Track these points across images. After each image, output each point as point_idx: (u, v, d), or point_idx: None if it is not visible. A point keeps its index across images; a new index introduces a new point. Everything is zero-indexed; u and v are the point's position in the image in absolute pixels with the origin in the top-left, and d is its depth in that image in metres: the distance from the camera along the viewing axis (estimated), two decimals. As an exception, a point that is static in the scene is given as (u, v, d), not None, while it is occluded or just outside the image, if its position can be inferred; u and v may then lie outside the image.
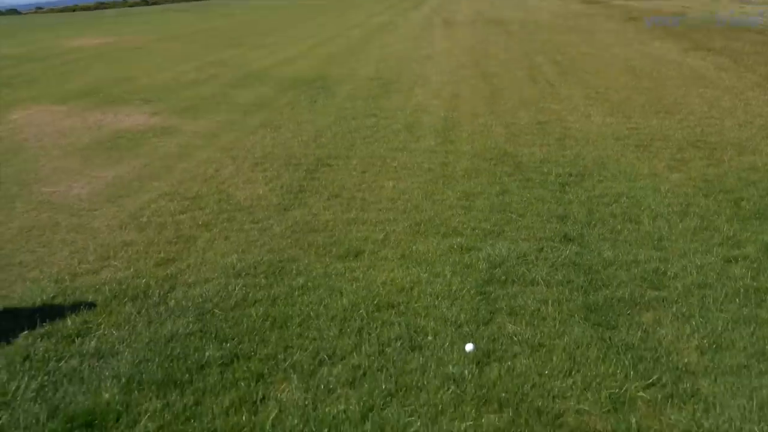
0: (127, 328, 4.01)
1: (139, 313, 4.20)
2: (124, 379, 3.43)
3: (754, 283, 4.53)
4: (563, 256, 4.97)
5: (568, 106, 10.41)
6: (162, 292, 4.48)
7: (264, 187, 6.79)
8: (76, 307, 4.28)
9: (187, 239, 5.48)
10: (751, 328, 3.95)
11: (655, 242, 5.28)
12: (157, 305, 4.30)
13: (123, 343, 3.83)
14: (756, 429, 3.02)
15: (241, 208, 6.18)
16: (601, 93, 11.36)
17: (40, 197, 6.84)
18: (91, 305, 4.32)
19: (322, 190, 6.65)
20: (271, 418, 3.12)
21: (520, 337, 3.83)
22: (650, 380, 3.42)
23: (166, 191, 6.82)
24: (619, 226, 5.60)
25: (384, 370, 3.50)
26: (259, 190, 6.69)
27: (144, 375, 3.47)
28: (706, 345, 3.77)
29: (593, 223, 5.68)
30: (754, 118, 9.35)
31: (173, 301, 4.35)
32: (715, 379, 3.44)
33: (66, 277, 4.81)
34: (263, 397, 3.30)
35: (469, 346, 3.72)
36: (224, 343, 3.78)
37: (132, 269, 4.90)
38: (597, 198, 6.31)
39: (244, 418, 3.13)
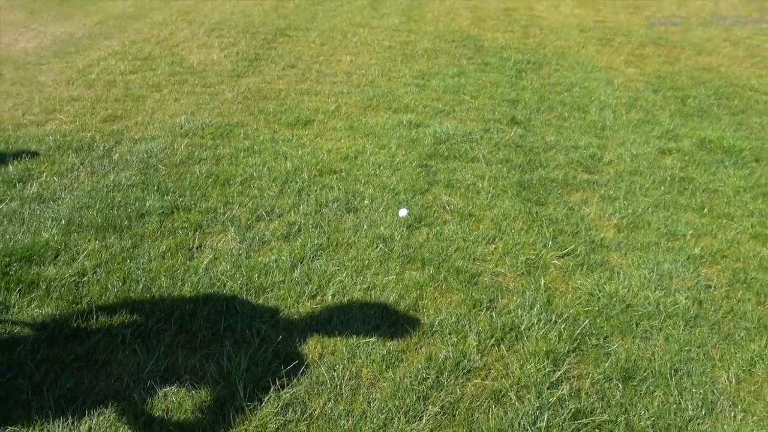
0: (69, 176, 4.07)
1: (82, 163, 4.23)
2: (63, 222, 3.53)
3: (681, 174, 4.76)
4: (507, 137, 5.10)
5: (540, -5, 10.20)
6: (107, 146, 4.50)
7: (219, 53, 6.65)
8: (18, 155, 4.29)
9: (136, 98, 5.42)
10: (669, 212, 4.20)
11: (598, 131, 5.44)
12: (101, 158, 4.33)
13: (65, 190, 3.90)
14: (650, 295, 3.31)
15: (194, 72, 6.09)
16: (575, -16, 11.12)
17: (-16, 47, 6.59)
18: (34, 154, 4.33)
19: (278, 60, 6.55)
20: (205, 263, 3.28)
21: (452, 207, 4.02)
22: (566, 250, 3.67)
23: (117, 50, 6.63)
24: (566, 114, 5.72)
25: (318, 228, 3.67)
26: (214, 56, 6.56)
27: (84, 219, 3.57)
28: (624, 224, 4.02)
29: (542, 109, 5.79)
30: (718, 20, 9.34)
31: (117, 154, 4.39)
32: (625, 253, 3.71)
33: (9, 127, 4.77)
34: (199, 245, 3.45)
35: (402, 212, 3.89)
36: (165, 196, 3.88)
37: (78, 123, 4.88)
38: (551, 86, 6.38)
39: (179, 261, 3.29)
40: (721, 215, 4.22)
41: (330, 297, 3.11)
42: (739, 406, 2.66)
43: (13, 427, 2.29)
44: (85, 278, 3.11)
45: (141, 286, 3.07)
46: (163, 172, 4.18)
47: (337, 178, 4.27)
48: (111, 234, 3.47)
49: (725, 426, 2.55)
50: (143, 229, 3.55)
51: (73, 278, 3.09)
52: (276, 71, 6.23)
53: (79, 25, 7.50)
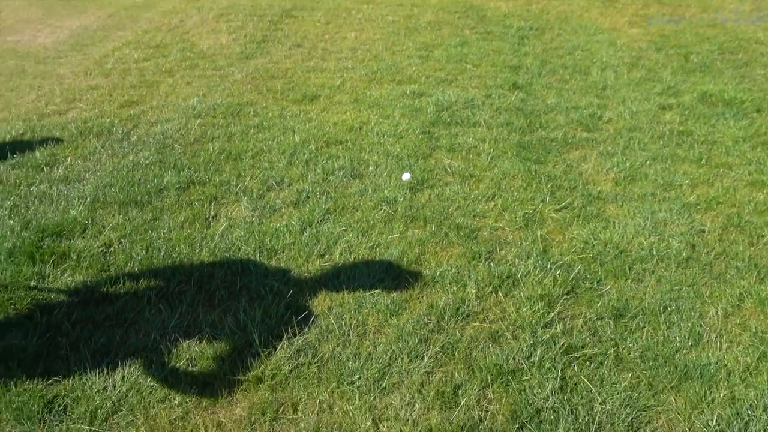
0: (92, 159, 4.32)
1: (103, 147, 4.48)
2: (89, 200, 3.78)
3: (681, 127, 4.86)
4: (508, 102, 5.23)
5: (544, -39, 10.19)
6: (125, 130, 4.74)
7: (227, 37, 6.85)
8: (44, 142, 4.55)
9: (151, 84, 5.65)
10: (666, 164, 4.32)
11: (599, 91, 5.54)
12: (121, 141, 4.58)
13: (88, 171, 4.15)
14: (644, 241, 3.46)
15: (204, 56, 6.30)
16: (580, -52, 11.05)
17: (5, 45, 6.87)
18: (58, 140, 4.59)
19: (284, 40, 6.73)
20: (220, 230, 3.51)
21: (453, 169, 4.19)
22: (563, 204, 3.82)
23: (131, 40, 6.86)
24: (567, 76, 5.82)
25: (326, 194, 3.87)
26: (223, 40, 6.76)
27: (107, 196, 3.82)
28: (622, 177, 4.16)
29: (544, 73, 5.89)
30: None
31: (135, 137, 4.63)
32: (622, 204, 3.86)
33: (34, 117, 5.04)
34: (215, 215, 3.68)
35: (405, 176, 4.07)
36: (182, 172, 4.11)
37: (97, 110, 5.12)
38: (553, 50, 6.47)
39: (196, 230, 3.52)
40: (718, 165, 4.33)
41: (337, 256, 3.32)
42: (725, 337, 2.82)
43: (55, 377, 2.55)
44: (112, 249, 3.36)
45: (162, 253, 3.31)
46: (179, 151, 4.41)
47: (342, 148, 4.45)
48: (133, 208, 3.71)
49: (710, 354, 2.71)
50: (162, 202, 3.79)
51: (101, 249, 3.34)
52: (283, 51, 6.41)
53: (93, 18, 7.75)
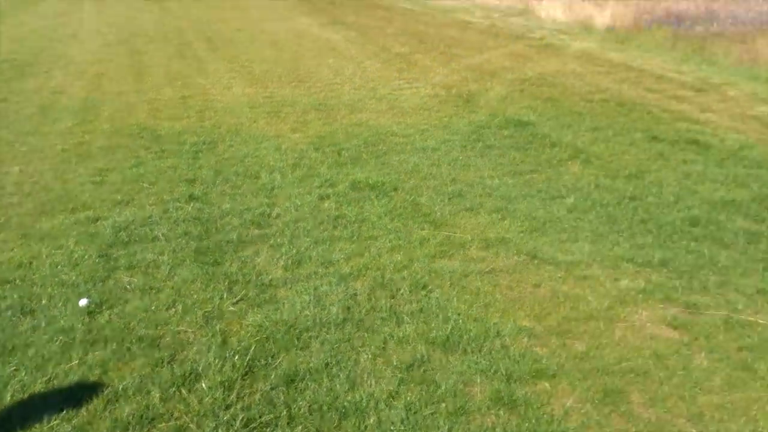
0: None
1: None
2: None
3: (337, 212, 5.74)
4: (185, 213, 5.59)
5: (213, 80, 11.05)
6: None
7: None
8: None
9: None
10: (327, 245, 5.07)
11: (268, 191, 6.23)
12: None
13: None
14: (308, 313, 4.04)
15: None
16: (245, 66, 12.25)
17: None
18: None
19: (-67, 185, 6.18)
20: None
21: (133, 286, 4.35)
22: (239, 297, 4.25)
23: None
24: (240, 182, 6.43)
25: (-8, 338, 3.71)
26: None
27: None
28: (290, 263, 4.76)
29: (218, 182, 6.42)
30: (367, 83, 11.16)
31: None
32: (291, 287, 4.43)
33: None
34: None
35: (83, 302, 4.10)
36: None
37: None
38: (225, 160, 7.08)
39: None
40: (367, 238, 5.22)
41: (9, 398, 3.22)
42: (374, 375, 3.46)
43: None
44: None
45: None
46: None
47: (10, 287, 4.29)
48: None
49: (363, 391, 3.31)
50: None
51: None
52: (-68, 196, 5.88)
53: None
